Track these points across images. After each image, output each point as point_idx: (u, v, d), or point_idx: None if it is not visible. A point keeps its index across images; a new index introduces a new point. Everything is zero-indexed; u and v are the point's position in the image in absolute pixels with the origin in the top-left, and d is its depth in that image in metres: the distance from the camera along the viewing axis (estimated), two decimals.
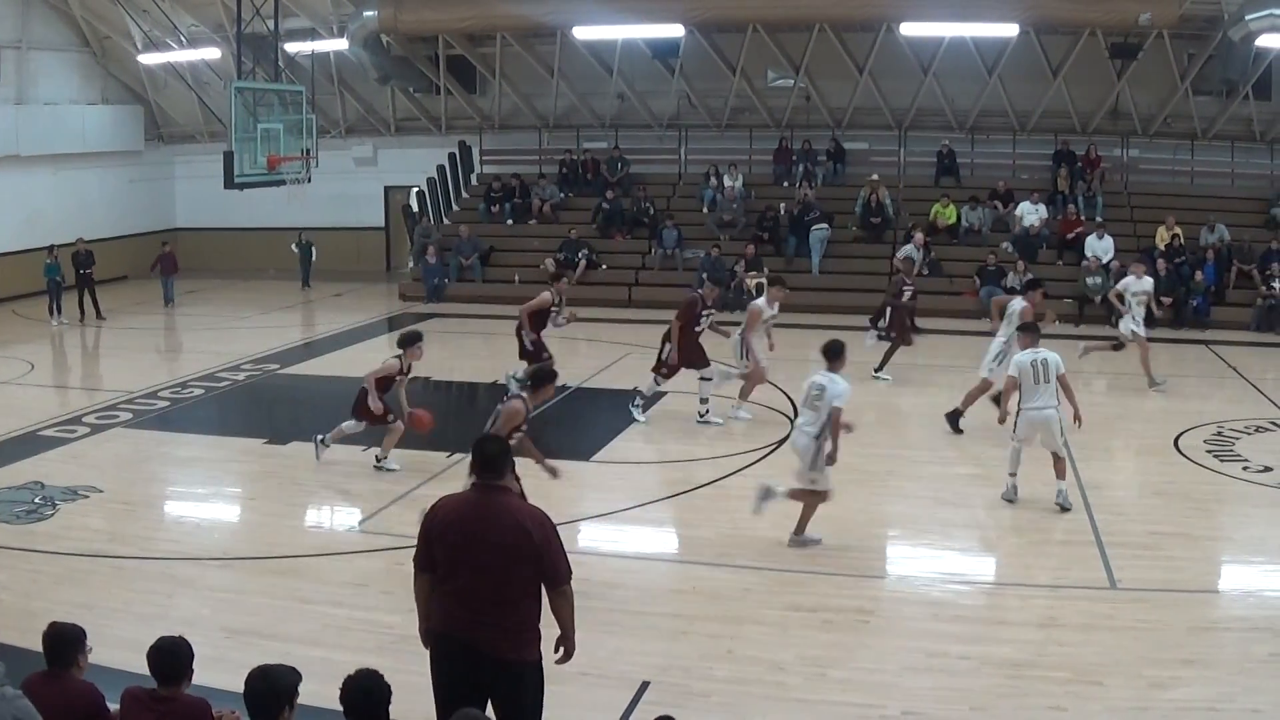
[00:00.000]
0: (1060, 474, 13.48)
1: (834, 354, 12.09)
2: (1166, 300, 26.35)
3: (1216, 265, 27.53)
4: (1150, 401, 19.15)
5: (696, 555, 12.19)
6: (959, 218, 30.06)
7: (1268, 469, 15.40)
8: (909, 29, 29.25)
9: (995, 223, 30.15)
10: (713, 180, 31.77)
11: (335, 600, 10.72)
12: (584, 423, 17.95)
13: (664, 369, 17.62)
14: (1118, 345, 20.10)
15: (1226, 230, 28.57)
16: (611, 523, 13.35)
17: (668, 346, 17.50)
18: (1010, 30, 28.80)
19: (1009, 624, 10.41)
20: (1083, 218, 29.41)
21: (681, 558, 12.34)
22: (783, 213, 30.51)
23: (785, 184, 31.93)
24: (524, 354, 18.54)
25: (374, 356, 24.28)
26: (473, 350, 24.53)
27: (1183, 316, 25.96)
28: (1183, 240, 28.16)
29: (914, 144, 32.34)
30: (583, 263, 29.96)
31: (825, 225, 29.75)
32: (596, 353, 23.01)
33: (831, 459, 11.77)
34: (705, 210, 31.42)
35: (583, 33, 30.41)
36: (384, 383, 14.82)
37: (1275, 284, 26.82)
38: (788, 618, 10.36)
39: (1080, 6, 27.99)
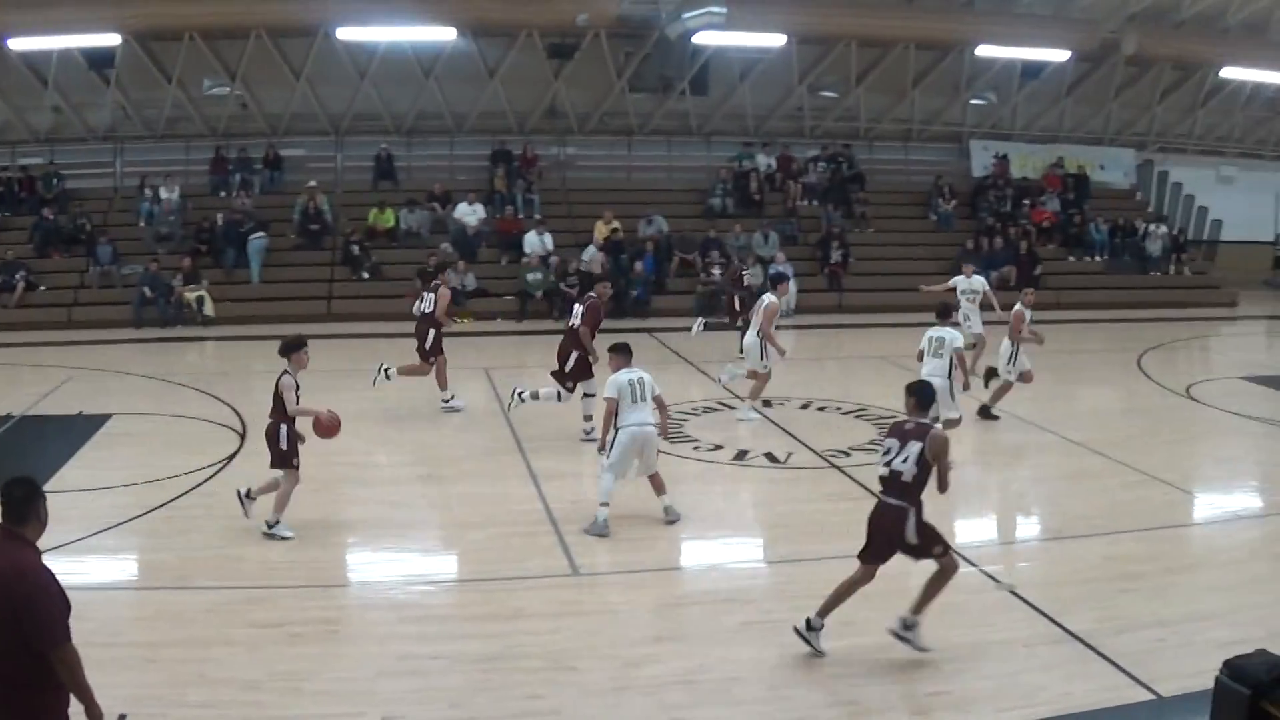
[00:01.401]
0: (660, 489, 12.82)
1: (945, 312, 16.29)
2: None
3: (656, 256, 28.61)
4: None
5: (156, 580, 11.42)
6: (397, 221, 30.03)
7: (718, 446, 16.03)
8: (345, 33, 28.94)
9: (434, 224, 30.29)
10: (149, 193, 30.08)
11: None
12: (31, 452, 16.24)
13: (570, 382, 16.25)
14: (974, 344, 19.76)
15: (665, 222, 29.81)
16: (66, 555, 12.01)
17: (574, 355, 16.14)
18: (448, 34, 28.87)
19: (476, 619, 10.26)
20: (521, 216, 29.96)
21: (141, 584, 11.52)
22: (220, 223, 29.21)
23: (223, 194, 30.77)
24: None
25: None
26: None
27: (624, 306, 26.67)
28: (622, 233, 29.02)
29: (351, 149, 32.02)
30: (20, 285, 27.47)
31: (262, 234, 28.85)
32: (39, 378, 21.16)
33: (966, 386, 16.18)
34: (143, 224, 29.76)
35: (17, 44, 28.35)
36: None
37: (715, 271, 28.11)
38: (255, 635, 9.88)
39: (517, 8, 28.51)
